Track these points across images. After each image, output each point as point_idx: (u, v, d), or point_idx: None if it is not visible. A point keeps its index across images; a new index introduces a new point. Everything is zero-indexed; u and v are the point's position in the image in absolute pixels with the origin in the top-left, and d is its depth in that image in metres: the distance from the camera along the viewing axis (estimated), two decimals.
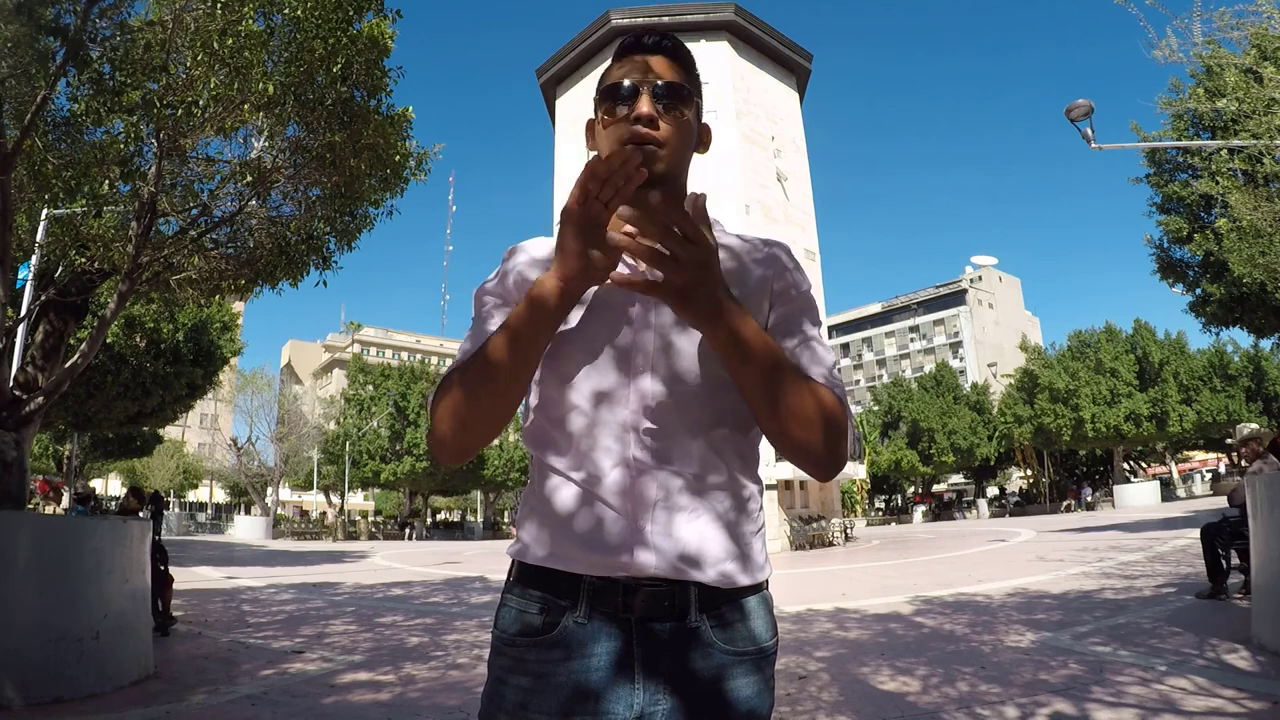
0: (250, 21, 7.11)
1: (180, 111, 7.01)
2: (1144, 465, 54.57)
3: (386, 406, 47.72)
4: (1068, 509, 41.07)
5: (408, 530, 45.82)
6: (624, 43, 1.23)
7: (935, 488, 63.17)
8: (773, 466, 24.15)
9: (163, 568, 7.96)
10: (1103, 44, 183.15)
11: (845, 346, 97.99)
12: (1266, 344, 40.30)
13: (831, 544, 24.36)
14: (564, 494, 1.11)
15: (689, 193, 1.23)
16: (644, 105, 1.14)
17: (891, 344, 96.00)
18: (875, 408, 57.93)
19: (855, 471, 33.33)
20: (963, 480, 64.66)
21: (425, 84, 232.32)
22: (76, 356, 8.10)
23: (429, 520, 57.09)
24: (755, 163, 28.95)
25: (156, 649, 6.32)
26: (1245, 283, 15.69)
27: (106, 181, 7.34)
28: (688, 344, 1.10)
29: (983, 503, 50.77)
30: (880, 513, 58.43)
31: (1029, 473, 51.54)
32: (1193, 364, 41.68)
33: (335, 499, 51.86)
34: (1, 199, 6.76)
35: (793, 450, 1.08)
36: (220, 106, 7.31)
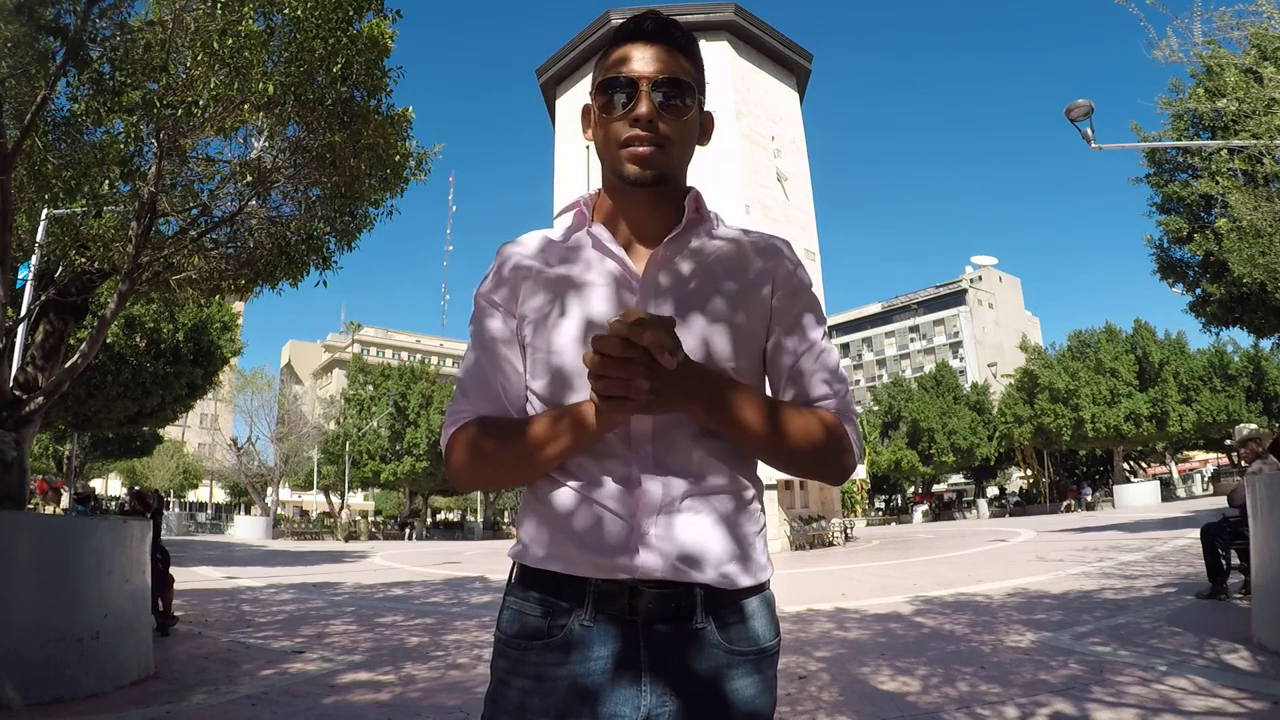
0: (250, 21, 7.10)
1: (180, 111, 7.01)
2: (1144, 465, 54.55)
3: (386, 406, 47.70)
4: (1068, 509, 41.04)
5: (408, 530, 45.80)
6: (624, 27, 1.17)
7: (935, 488, 63.14)
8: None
9: (163, 568, 7.96)
10: (1103, 44, 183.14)
11: (845, 346, 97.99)
12: (1266, 344, 40.31)
13: (831, 544, 24.35)
14: (565, 496, 1.09)
15: (688, 187, 1.22)
16: (643, 106, 1.11)
17: (891, 344, 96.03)
18: (875, 408, 57.91)
19: (855, 472, 33.16)
20: (963, 480, 64.65)
21: (425, 84, 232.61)
22: (76, 356, 8.10)
23: (429, 520, 57.08)
24: (755, 162, 28.94)
25: (156, 649, 6.32)
26: (1245, 283, 15.68)
27: (106, 181, 7.34)
28: (689, 341, 1.08)
29: (983, 503, 50.74)
30: (880, 513, 58.40)
31: (1029, 473, 51.51)
32: (1193, 364, 41.67)
33: (337, 499, 51.81)
34: (1, 199, 6.76)
35: (800, 473, 1.14)
36: (220, 106, 7.31)
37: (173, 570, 8.40)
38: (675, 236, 1.16)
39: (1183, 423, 39.98)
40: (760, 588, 1.15)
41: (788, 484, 26.29)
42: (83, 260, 9.07)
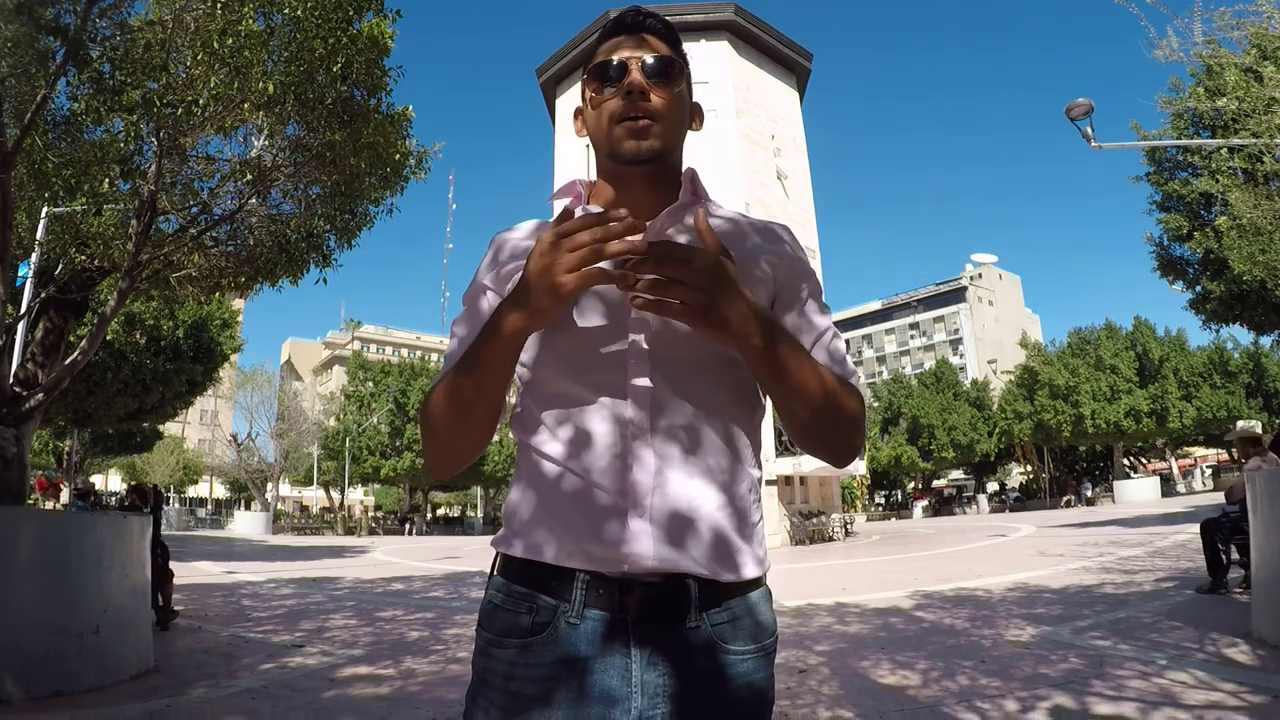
0: (250, 21, 7.10)
1: (180, 110, 7.01)
2: (1144, 461, 54.55)
3: (386, 403, 47.73)
4: (1068, 504, 41.06)
5: (408, 525, 45.84)
6: (609, 24, 1.20)
7: (935, 483, 63.11)
8: (772, 462, 24.14)
9: (163, 563, 7.98)
10: (1103, 44, 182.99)
11: (845, 344, 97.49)
12: (1266, 341, 40.19)
13: (831, 539, 24.37)
14: (555, 484, 1.06)
15: (683, 168, 1.22)
16: (635, 76, 1.13)
17: (892, 341, 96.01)
18: (875, 404, 57.88)
19: (856, 467, 33.28)
20: (963, 476, 64.64)
21: (425, 84, 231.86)
22: (76, 353, 8.11)
23: (429, 515, 57.12)
24: (755, 162, 28.91)
25: (156, 643, 6.34)
26: (1245, 280, 15.68)
27: (106, 180, 7.34)
28: (686, 330, 1.04)
29: (983, 498, 50.69)
30: (880, 508, 58.41)
31: (1029, 468, 51.52)
32: (1193, 361, 41.65)
33: (337, 494, 51.87)
34: (2, 197, 6.76)
35: (819, 439, 1.09)
36: (220, 105, 7.31)
37: (173, 565, 8.41)
38: (670, 211, 1.15)
39: (1183, 419, 39.97)
40: (757, 582, 1.12)
41: (787, 479, 26.31)
42: (83, 258, 9.07)
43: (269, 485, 49.29)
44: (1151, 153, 18.66)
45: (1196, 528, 8.20)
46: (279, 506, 54.71)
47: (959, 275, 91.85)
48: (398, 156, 9.07)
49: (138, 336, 20.15)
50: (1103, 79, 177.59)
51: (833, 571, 13.53)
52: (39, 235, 9.46)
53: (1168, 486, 40.86)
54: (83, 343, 8.19)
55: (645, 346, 1.07)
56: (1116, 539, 15.15)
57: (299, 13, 7.25)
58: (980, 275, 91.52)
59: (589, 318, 1.08)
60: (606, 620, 1.03)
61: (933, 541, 20.36)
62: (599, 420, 1.06)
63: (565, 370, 1.09)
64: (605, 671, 1.02)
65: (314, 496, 60.38)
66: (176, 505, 55.89)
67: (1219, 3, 9.31)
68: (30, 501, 12.20)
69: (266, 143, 8.46)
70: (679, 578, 1.04)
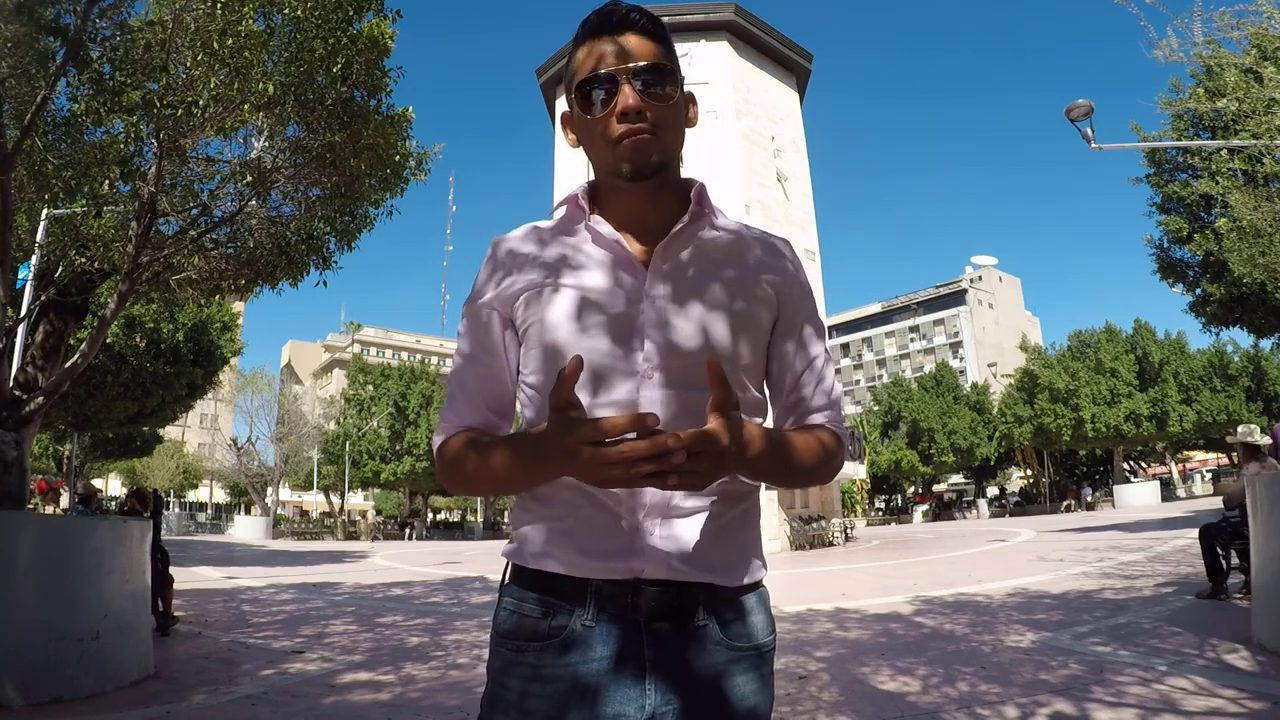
0: (250, 21, 7.11)
1: (180, 111, 7.01)
2: (1144, 465, 54.57)
3: (386, 406, 47.72)
4: (1068, 509, 41.06)
5: (408, 530, 45.81)
6: (588, 23, 1.12)
7: (935, 488, 63.14)
8: None
9: (163, 568, 7.96)
10: (1103, 44, 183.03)
11: (845, 346, 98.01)
12: (1266, 344, 40.29)
13: (831, 544, 24.36)
14: (563, 496, 1.07)
15: (689, 179, 1.21)
16: (629, 98, 1.07)
17: (891, 344, 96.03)
18: (875, 408, 57.94)
19: (855, 472, 33.28)
20: (963, 480, 64.65)
21: (425, 84, 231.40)
22: (76, 356, 8.11)
23: (429, 520, 57.10)
24: (755, 163, 28.92)
25: (156, 649, 6.32)
26: (1245, 283, 15.69)
27: (106, 181, 7.34)
28: (691, 346, 1.07)
29: (983, 503, 50.77)
30: (880, 513, 58.41)
31: (1029, 473, 51.54)
32: (1193, 364, 41.69)
33: (337, 499, 51.84)
34: (1, 199, 6.76)
35: (798, 486, 1.19)
36: (220, 106, 7.32)
37: (173, 570, 8.39)
38: (680, 229, 1.13)
39: (1183, 423, 40.00)
40: (757, 585, 1.16)
41: None
42: (83, 260, 9.07)
43: (269, 490, 49.30)
44: (1151, 154, 18.68)
45: (1196, 532, 8.18)
46: (279, 511, 54.75)
47: (959, 278, 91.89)
48: (398, 158, 9.08)
49: (138, 339, 20.16)
50: (1103, 79, 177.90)
51: (833, 577, 13.51)
52: (39, 237, 9.47)
53: (1168, 491, 40.89)
54: (83, 346, 8.19)
55: (654, 359, 1.07)
56: (1116, 544, 15.13)
57: (299, 13, 7.26)
58: (980, 278, 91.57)
59: (596, 333, 1.08)
60: (619, 622, 1.06)
61: (933, 546, 20.35)
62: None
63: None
64: (619, 671, 1.05)
65: (314, 501, 60.41)
66: (176, 510, 55.93)
67: (1219, 3, 9.32)
68: (30, 505, 12.16)
69: (266, 144, 8.46)
70: (688, 582, 1.07)
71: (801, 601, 9.28)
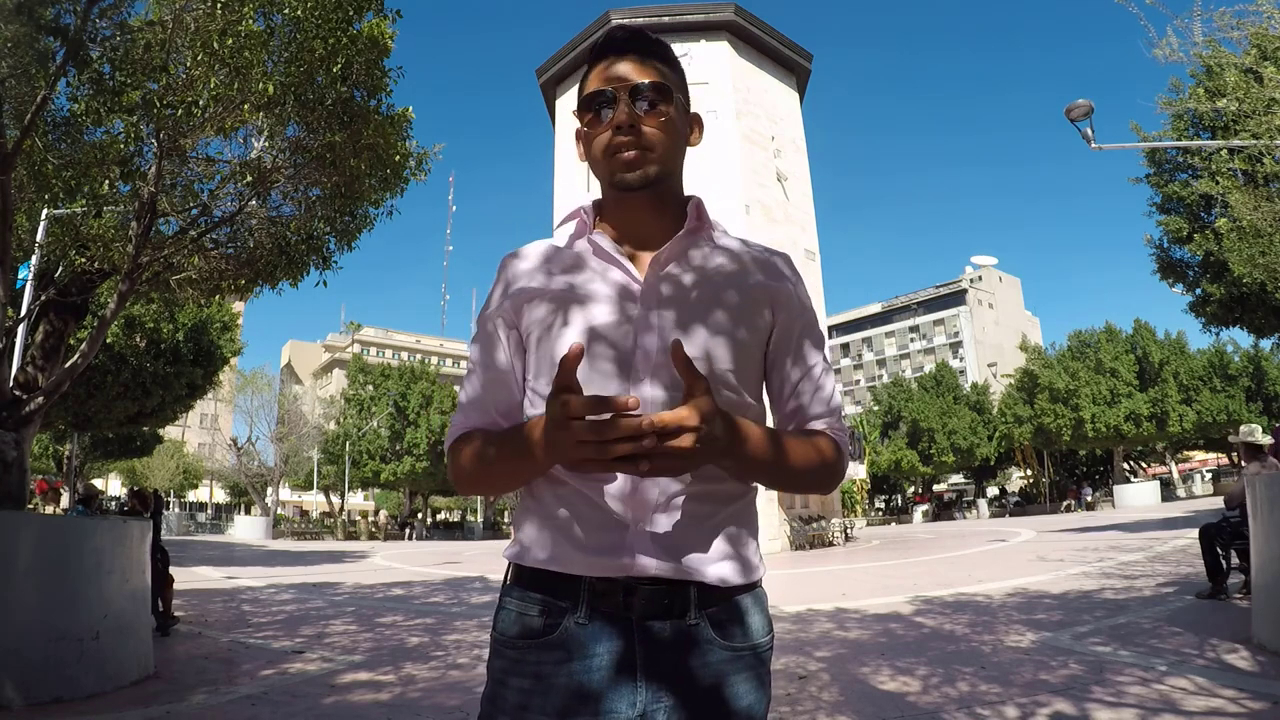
0: (250, 21, 7.10)
1: (180, 111, 7.01)
2: (1144, 465, 54.56)
3: (386, 406, 47.69)
4: (1068, 509, 41.04)
5: (408, 530, 45.80)
6: (596, 46, 1.22)
7: (935, 488, 63.12)
8: None
9: (163, 568, 7.96)
10: (1103, 44, 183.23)
11: (845, 346, 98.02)
12: (1267, 344, 40.30)
13: (831, 544, 24.35)
14: (561, 497, 1.11)
15: (687, 195, 1.25)
16: (622, 113, 1.15)
17: (891, 344, 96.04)
18: (875, 408, 57.91)
19: (855, 472, 33.27)
20: (963, 480, 64.64)
21: (425, 84, 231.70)
22: (76, 356, 8.10)
23: (429, 520, 57.09)
24: (755, 163, 28.91)
25: (156, 649, 6.32)
26: (1245, 283, 15.69)
27: (106, 181, 7.34)
28: (690, 348, 1.09)
29: (983, 503, 50.73)
30: (880, 513, 58.39)
31: (1029, 473, 51.52)
32: (1193, 364, 41.68)
33: (337, 499, 51.82)
34: (1, 199, 6.76)
35: (791, 492, 1.14)
36: (220, 106, 7.31)
37: (173, 570, 8.40)
38: (676, 241, 1.18)
39: (1183, 423, 39.99)
40: (753, 585, 1.17)
41: None
42: (83, 260, 9.07)
43: (269, 490, 49.27)
44: (1151, 154, 18.67)
45: (1196, 532, 8.18)
46: (279, 511, 54.72)
47: (959, 277, 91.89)
48: (398, 158, 9.08)
49: (138, 339, 20.17)
50: (1103, 79, 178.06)
51: (833, 577, 13.51)
52: (39, 237, 9.46)
53: (1168, 490, 40.88)
54: (83, 346, 8.18)
55: (651, 358, 1.10)
56: (1116, 544, 15.14)
57: (299, 13, 7.26)
58: (980, 278, 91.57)
59: (595, 333, 1.12)
60: (611, 620, 1.09)
61: (932, 546, 20.34)
62: None
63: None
64: (611, 670, 1.07)
65: (314, 501, 60.38)
66: (176, 510, 55.94)
67: (1219, 3, 9.32)
68: (31, 505, 12.17)
69: (266, 144, 8.46)
70: (680, 582, 1.09)
71: (801, 601, 9.29)
